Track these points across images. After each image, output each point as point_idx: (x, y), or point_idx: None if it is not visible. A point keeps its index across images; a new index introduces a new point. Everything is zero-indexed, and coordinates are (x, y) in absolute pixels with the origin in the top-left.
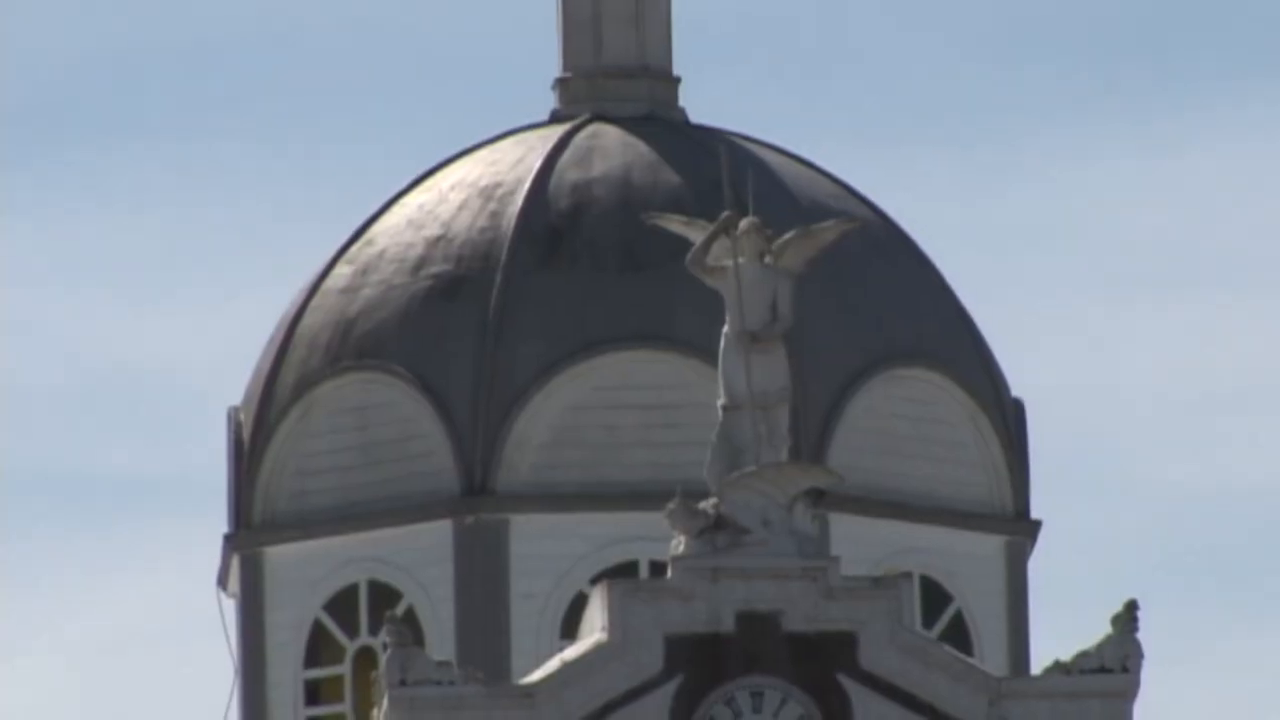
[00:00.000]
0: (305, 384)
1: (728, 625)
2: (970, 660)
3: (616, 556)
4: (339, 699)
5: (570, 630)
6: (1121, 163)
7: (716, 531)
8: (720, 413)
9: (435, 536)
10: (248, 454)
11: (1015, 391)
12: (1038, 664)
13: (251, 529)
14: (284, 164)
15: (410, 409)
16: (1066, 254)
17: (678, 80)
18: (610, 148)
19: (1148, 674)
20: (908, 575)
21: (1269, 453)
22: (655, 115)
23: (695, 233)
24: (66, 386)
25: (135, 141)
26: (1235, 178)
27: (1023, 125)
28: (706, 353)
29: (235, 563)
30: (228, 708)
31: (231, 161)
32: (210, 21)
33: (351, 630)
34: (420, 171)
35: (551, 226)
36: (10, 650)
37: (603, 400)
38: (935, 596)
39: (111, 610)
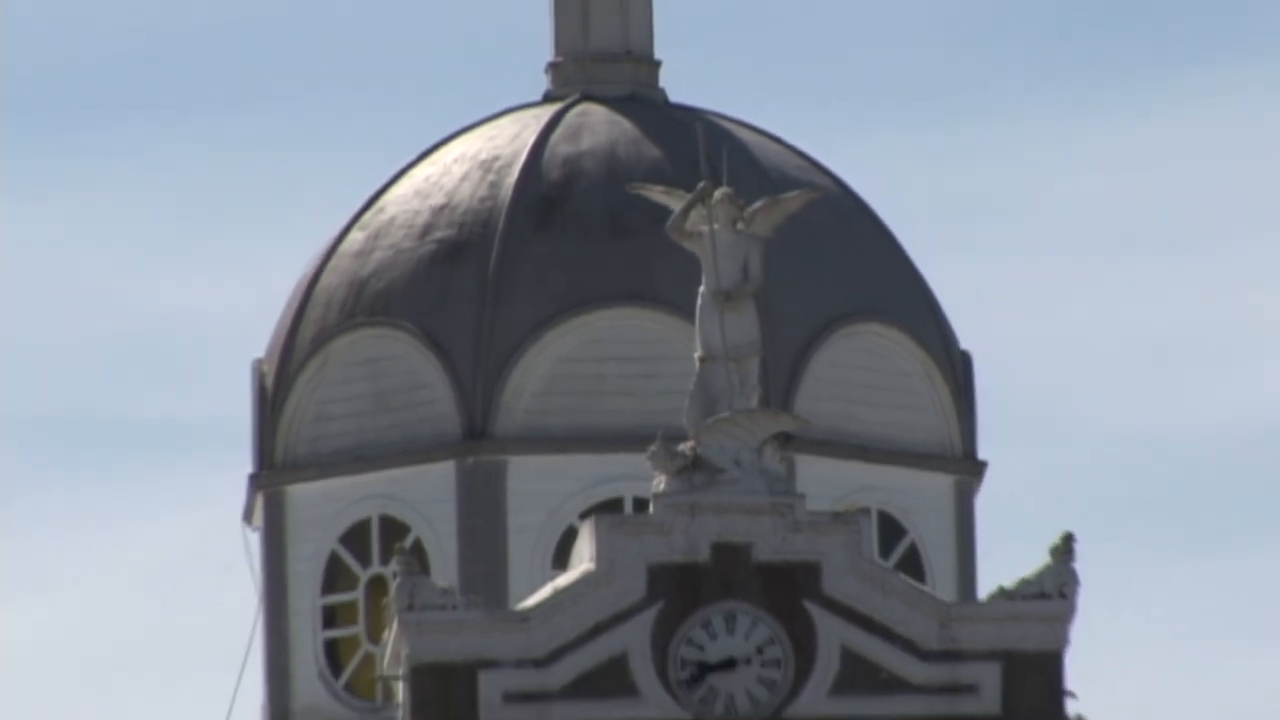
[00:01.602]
0: (322, 338)
1: (704, 555)
2: (923, 587)
3: (603, 494)
4: (353, 623)
5: (561, 560)
6: (1062, 137)
7: (694, 471)
8: (697, 364)
9: (440, 476)
10: (270, 402)
11: (963, 344)
12: (984, 590)
13: (274, 469)
14: (304, 139)
15: (417, 361)
16: (1011, 219)
17: (659, 63)
18: (598, 125)
19: (1083, 600)
20: (866, 511)
21: (1196, 401)
22: (638, 95)
23: (674, 202)
24: (107, 339)
25: (174, 119)
26: (1166, 151)
27: (973, 103)
28: (685, 310)
29: (259, 500)
30: (253, 631)
31: (257, 137)
32: (239, 8)
33: (364, 560)
34: (426, 146)
35: (545, 196)
36: (57, 581)
37: (591, 353)
38: (891, 530)
39: (147, 544)
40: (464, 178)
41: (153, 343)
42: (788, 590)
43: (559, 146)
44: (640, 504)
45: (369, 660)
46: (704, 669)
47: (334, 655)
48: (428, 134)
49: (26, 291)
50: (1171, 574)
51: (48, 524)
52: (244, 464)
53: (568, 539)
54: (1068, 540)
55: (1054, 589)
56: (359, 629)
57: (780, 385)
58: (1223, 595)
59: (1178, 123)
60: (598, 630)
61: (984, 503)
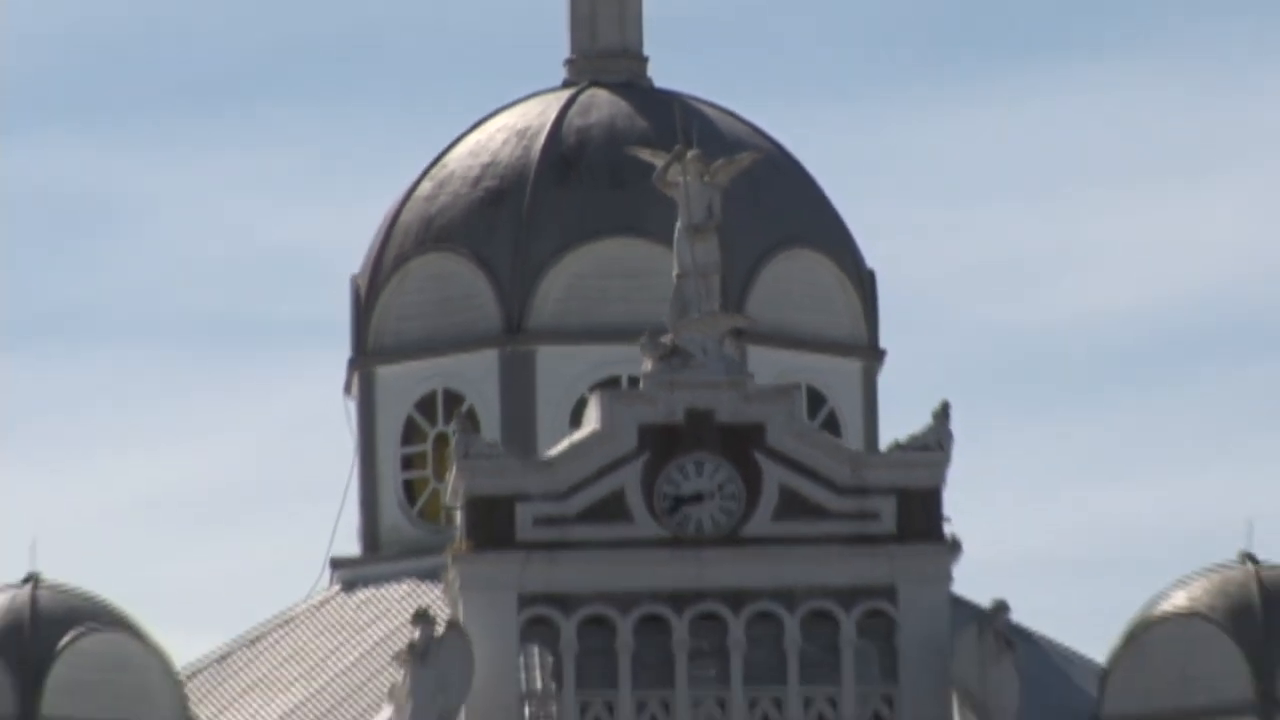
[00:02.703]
0: (401, 259)
1: (679, 419)
2: (839, 441)
3: (607, 373)
4: (424, 467)
5: (576, 422)
6: (944, 113)
7: (672, 357)
8: (675, 279)
9: (487, 360)
10: (364, 305)
11: (869, 264)
12: (884, 443)
13: (366, 355)
14: (389, 116)
15: (470, 276)
16: (905, 172)
17: (647, 59)
18: (602, 104)
19: (957, 450)
20: (798, 386)
21: (1044, 302)
22: (632, 83)
23: (659, 160)
24: (247, 259)
25: (293, 102)
26: (1022, 120)
27: (878, 87)
28: (666, 240)
29: (355, 377)
30: (350, 473)
31: (354, 115)
32: (344, 21)
33: (432, 421)
34: (477, 119)
35: (564, 156)
36: (205, 435)
37: (598, 271)
38: (816, 400)
39: (274, 409)
40: (505, 142)
41: (278, 262)
42: (741, 444)
43: (574, 120)
44: (633, 381)
45: (435, 495)
46: (680, 501)
47: (410, 491)
48: (478, 110)
49: (193, 225)
50: (1024, 432)
51: (200, 395)
52: (344, 350)
53: (580, 406)
54: (945, 407)
55: (934, 442)
56: (428, 472)
57: (735, 294)
58: (1065, 447)
59: (1030, 102)
60: (602, 473)
61: (884, 380)
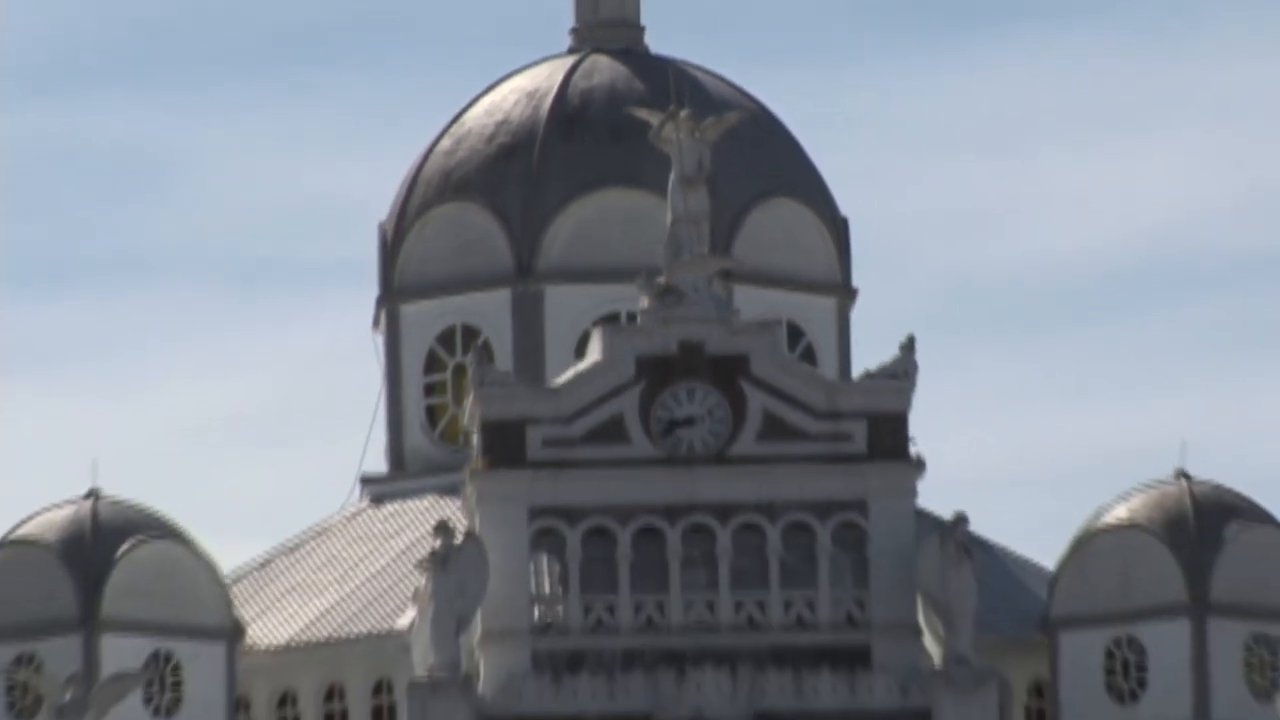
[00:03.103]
0: (424, 208)
1: (673, 350)
2: (816, 371)
3: (607, 310)
4: (444, 394)
5: (580, 353)
6: (910, 76)
7: (666, 295)
8: (669, 225)
9: (500, 298)
10: (390, 249)
11: (843, 212)
12: (855, 373)
13: (392, 294)
14: (414, 80)
15: (485, 223)
16: (875, 130)
17: (644, 28)
18: (604, 68)
19: (921, 380)
20: (779, 321)
21: (1004, 248)
22: (631, 49)
23: (654, 119)
24: (283, 208)
25: (325, 68)
26: (986, 80)
27: (853, 51)
28: (662, 190)
29: (383, 314)
30: (378, 399)
31: (383, 77)
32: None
33: (451, 353)
34: (492, 81)
35: (569, 115)
36: (249, 365)
37: (601, 218)
38: (795, 334)
39: (311, 341)
40: (516, 102)
41: (313, 210)
42: (728, 373)
43: (579, 82)
44: (631, 317)
45: (454, 419)
46: (673, 424)
47: (431, 415)
48: (493, 74)
49: (237, 177)
50: (982, 362)
51: (243, 329)
52: (372, 290)
53: (584, 340)
54: (910, 340)
55: (901, 372)
56: (448, 398)
57: (722, 239)
58: (1019, 376)
59: (988, 65)
60: (603, 399)
61: (856, 316)
